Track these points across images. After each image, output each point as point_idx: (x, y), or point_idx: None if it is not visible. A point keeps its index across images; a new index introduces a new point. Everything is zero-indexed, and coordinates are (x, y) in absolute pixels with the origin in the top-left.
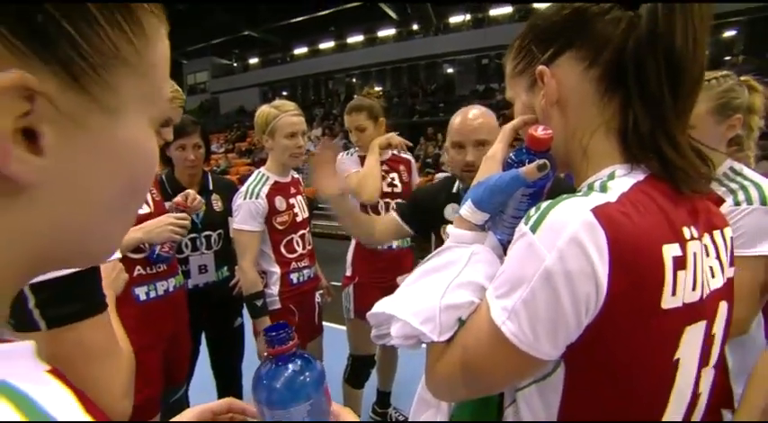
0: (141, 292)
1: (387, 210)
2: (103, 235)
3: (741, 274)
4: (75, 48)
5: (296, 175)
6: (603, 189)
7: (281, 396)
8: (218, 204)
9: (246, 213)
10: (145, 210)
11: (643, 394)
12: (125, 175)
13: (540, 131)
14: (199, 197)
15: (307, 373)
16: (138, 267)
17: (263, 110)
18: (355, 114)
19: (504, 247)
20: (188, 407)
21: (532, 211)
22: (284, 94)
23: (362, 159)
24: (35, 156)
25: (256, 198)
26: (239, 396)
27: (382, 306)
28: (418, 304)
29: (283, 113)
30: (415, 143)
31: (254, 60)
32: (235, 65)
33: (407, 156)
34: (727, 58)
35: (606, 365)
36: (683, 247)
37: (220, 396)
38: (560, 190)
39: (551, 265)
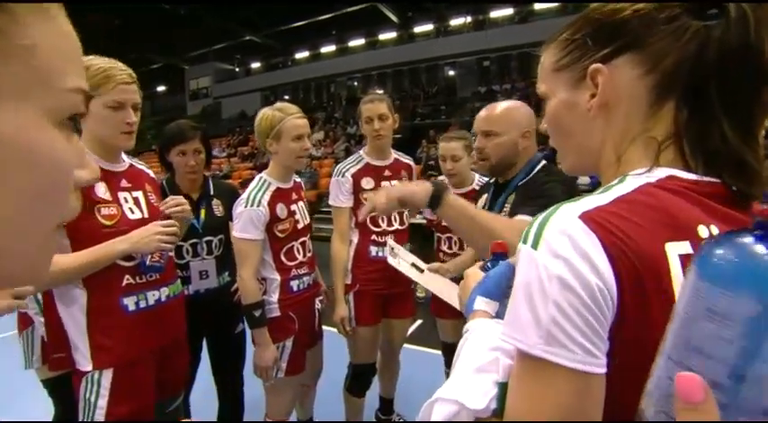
0: (130, 302)
1: (389, 220)
2: (18, 253)
3: None
4: None
5: (297, 179)
6: (606, 191)
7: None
8: (219, 209)
9: (247, 221)
10: (137, 215)
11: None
12: (18, 176)
13: (501, 241)
14: (187, 209)
15: None
16: (128, 276)
17: (266, 113)
18: (378, 103)
19: None
20: (186, 415)
21: (529, 228)
22: (286, 98)
23: (361, 173)
24: None
25: (257, 206)
26: (240, 402)
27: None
28: (456, 381)
29: (288, 116)
30: (416, 146)
31: (255, 65)
32: (237, 70)
33: (407, 160)
34: None
35: (628, 365)
36: (695, 246)
37: (221, 402)
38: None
39: (563, 273)
